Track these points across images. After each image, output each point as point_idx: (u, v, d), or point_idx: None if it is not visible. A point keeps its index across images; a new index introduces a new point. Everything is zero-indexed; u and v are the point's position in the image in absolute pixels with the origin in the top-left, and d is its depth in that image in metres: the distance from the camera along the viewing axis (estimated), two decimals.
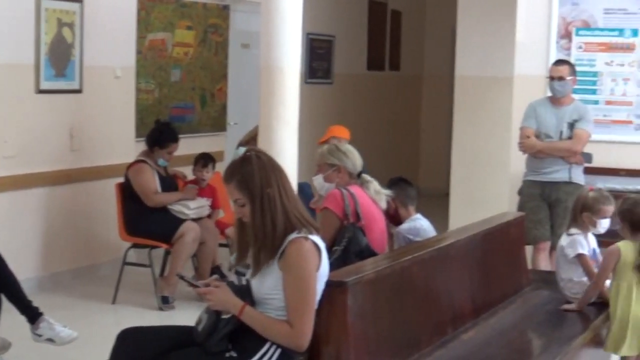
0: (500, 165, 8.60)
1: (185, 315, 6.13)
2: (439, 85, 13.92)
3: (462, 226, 5.73)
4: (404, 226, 5.92)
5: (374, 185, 5.64)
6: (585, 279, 5.43)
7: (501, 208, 7.71)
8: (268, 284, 3.85)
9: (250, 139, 7.71)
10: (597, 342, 5.20)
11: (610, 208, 5.45)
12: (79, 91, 8.09)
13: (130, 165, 7.58)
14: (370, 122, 12.87)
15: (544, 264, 7.15)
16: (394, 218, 5.98)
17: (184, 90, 9.58)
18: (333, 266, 4.21)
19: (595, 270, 5.45)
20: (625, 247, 5.05)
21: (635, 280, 5.01)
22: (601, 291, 5.36)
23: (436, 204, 10.47)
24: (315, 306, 3.81)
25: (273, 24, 6.39)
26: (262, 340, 3.82)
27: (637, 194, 7.52)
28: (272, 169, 3.94)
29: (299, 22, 6.48)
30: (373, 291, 4.05)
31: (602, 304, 5.38)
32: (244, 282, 3.96)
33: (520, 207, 7.32)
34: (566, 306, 5.29)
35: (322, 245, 3.90)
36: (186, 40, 9.51)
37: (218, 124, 10.16)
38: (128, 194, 7.51)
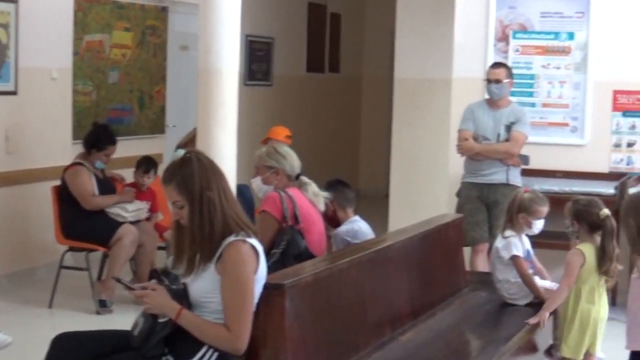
0: (439, 167, 8.63)
1: (124, 319, 6.06)
2: (379, 88, 13.98)
3: (401, 228, 5.74)
4: (342, 228, 5.93)
5: (313, 187, 5.64)
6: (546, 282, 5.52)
7: (440, 210, 7.74)
8: (205, 287, 3.82)
9: (189, 141, 7.67)
10: (534, 342, 5.25)
11: (545, 209, 5.50)
12: (14, 93, 7.98)
13: (67, 168, 7.49)
14: (309, 124, 12.88)
15: (482, 266, 7.19)
16: (332, 220, 5.98)
17: (122, 92, 9.50)
18: (271, 269, 4.20)
19: (530, 271, 5.51)
20: (586, 249, 5.11)
21: (598, 283, 5.08)
22: (537, 292, 5.42)
23: (376, 206, 10.51)
24: (253, 309, 3.79)
25: (211, 26, 6.35)
26: (199, 344, 3.79)
27: (574, 195, 7.63)
28: (212, 172, 3.91)
29: (238, 23, 6.45)
30: (311, 294, 4.03)
31: (539, 304, 5.43)
32: (180, 285, 3.93)
33: (459, 209, 7.37)
34: (531, 320, 5.33)
35: (260, 248, 3.88)
36: (124, 41, 9.43)
37: (157, 127, 10.09)
38: (65, 197, 7.42)
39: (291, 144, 6.05)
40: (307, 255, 5.22)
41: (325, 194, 5.72)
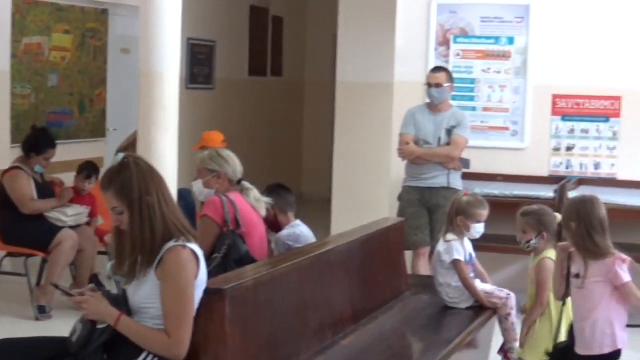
0: (381, 171, 8.66)
1: (64, 325, 5.93)
2: (321, 91, 13.99)
3: (342, 232, 5.75)
4: (284, 233, 5.91)
5: (254, 192, 5.62)
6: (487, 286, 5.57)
7: (382, 214, 7.76)
8: (145, 293, 3.78)
9: (129, 145, 7.62)
10: (475, 344, 5.29)
11: (484, 212, 5.53)
12: None
13: (5, 172, 7.39)
14: (252, 128, 12.85)
15: (424, 269, 7.22)
16: (273, 225, 5.97)
17: (62, 95, 9.40)
18: (212, 274, 4.17)
19: (472, 275, 5.54)
20: (554, 256, 5.16)
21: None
22: (477, 296, 5.46)
23: (319, 210, 10.51)
24: (193, 315, 3.77)
25: (152, 29, 6.31)
26: (138, 350, 3.75)
27: (512, 199, 7.70)
28: (151, 176, 3.87)
29: (179, 26, 6.42)
30: (252, 298, 4.02)
31: (480, 308, 5.47)
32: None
33: (400, 213, 7.39)
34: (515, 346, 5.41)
35: (200, 253, 3.86)
36: (64, 44, 9.33)
37: (97, 130, 10.00)
38: (3, 202, 7.32)
39: (233, 149, 6.01)
40: (248, 259, 5.20)
41: (267, 199, 5.71)
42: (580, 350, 4.66)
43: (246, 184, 5.64)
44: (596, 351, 4.58)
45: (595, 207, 4.65)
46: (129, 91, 9.68)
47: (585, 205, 4.66)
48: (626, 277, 4.54)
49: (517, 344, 5.47)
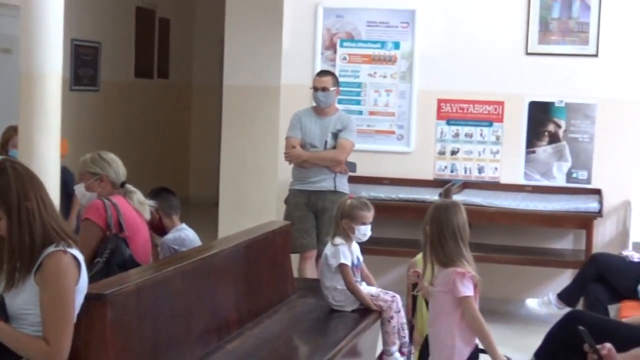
0: (268, 174, 8.66)
1: None
2: (208, 94, 13.91)
3: (227, 235, 5.72)
4: (169, 237, 5.85)
5: (138, 195, 5.54)
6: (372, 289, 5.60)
7: (269, 217, 7.76)
8: (23, 299, 3.68)
9: (4, 142, 7.36)
10: (360, 347, 5.31)
11: (369, 215, 5.56)
12: None
13: None
14: (138, 131, 12.71)
15: (311, 272, 7.23)
16: (158, 228, 5.90)
17: None
18: (95, 278, 4.11)
19: (358, 278, 5.57)
20: None
21: None
22: (362, 299, 5.49)
23: (206, 213, 10.46)
24: (74, 321, 3.69)
25: (34, 29, 6.16)
26: (16, 358, 3.66)
27: (398, 202, 7.77)
28: (30, 181, 3.78)
29: (61, 27, 6.28)
30: (135, 303, 3.96)
31: (365, 310, 5.50)
32: None
33: (287, 216, 7.38)
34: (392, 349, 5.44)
35: (81, 258, 3.78)
36: None
37: None
38: None
39: (119, 151, 5.91)
40: (131, 263, 5.13)
41: (151, 202, 5.64)
42: (430, 356, 4.70)
43: (129, 186, 5.56)
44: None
45: (452, 213, 4.59)
46: (10, 92, 9.43)
47: (442, 211, 4.61)
48: (465, 291, 4.46)
49: (395, 348, 5.51)
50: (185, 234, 5.85)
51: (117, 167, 5.53)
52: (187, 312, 4.43)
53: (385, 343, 5.55)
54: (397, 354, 5.55)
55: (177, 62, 14.01)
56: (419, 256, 5.29)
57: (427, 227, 4.61)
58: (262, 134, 8.75)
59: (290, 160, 7.45)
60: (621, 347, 4.17)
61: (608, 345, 4.05)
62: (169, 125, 13.80)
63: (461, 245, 4.55)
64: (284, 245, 5.90)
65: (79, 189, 5.52)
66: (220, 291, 4.82)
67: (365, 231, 5.53)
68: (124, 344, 3.82)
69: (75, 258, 3.73)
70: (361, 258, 5.69)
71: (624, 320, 5.91)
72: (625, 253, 7.04)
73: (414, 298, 5.47)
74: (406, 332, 5.58)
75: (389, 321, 5.50)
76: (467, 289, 4.47)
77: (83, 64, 11.39)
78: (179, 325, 4.32)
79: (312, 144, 7.37)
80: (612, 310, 6.84)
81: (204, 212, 11.02)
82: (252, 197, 8.87)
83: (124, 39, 12.51)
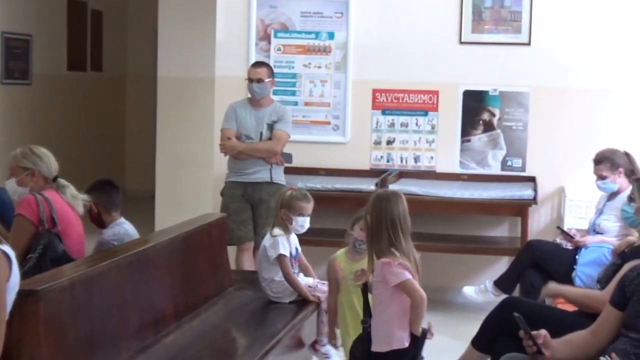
0: (204, 166, 8.62)
1: None
2: (143, 86, 13.78)
3: (163, 229, 5.67)
4: (108, 233, 5.78)
5: (71, 189, 5.47)
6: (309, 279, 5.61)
7: (205, 209, 7.72)
8: None
9: None
10: (299, 338, 5.31)
11: (308, 206, 5.55)
12: None
13: None
14: (72, 124, 12.56)
15: (248, 264, 7.21)
16: (97, 222, 5.83)
17: None
18: (28, 274, 4.05)
19: (296, 269, 5.57)
20: None
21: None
22: (299, 290, 5.49)
23: (143, 207, 10.36)
24: (6, 318, 3.62)
25: None
26: None
27: (335, 192, 7.78)
28: None
29: None
30: (69, 298, 3.91)
31: (303, 301, 5.50)
32: None
33: (224, 208, 7.34)
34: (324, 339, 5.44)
35: (12, 254, 3.70)
36: None
37: None
38: None
39: (52, 145, 5.82)
40: (65, 259, 5.06)
41: (85, 196, 5.56)
42: (374, 347, 4.69)
43: (62, 181, 5.48)
44: (376, 348, 4.57)
45: (393, 203, 4.57)
46: None
47: (382, 201, 4.58)
48: (395, 279, 4.44)
49: (326, 339, 5.53)
50: (124, 229, 5.77)
51: (49, 162, 5.46)
52: (122, 306, 4.38)
53: (319, 333, 5.56)
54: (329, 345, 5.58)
55: (110, 54, 13.86)
56: (340, 252, 5.29)
57: (367, 216, 4.60)
58: (197, 126, 8.69)
59: (225, 152, 7.41)
60: (556, 333, 4.21)
61: (543, 331, 4.09)
62: (103, 118, 13.65)
63: (399, 235, 4.54)
64: (220, 238, 5.87)
65: (10, 184, 5.44)
66: (156, 285, 4.78)
67: (303, 222, 5.52)
68: (57, 340, 3.77)
69: (5, 254, 3.66)
70: (299, 249, 5.69)
71: (558, 306, 5.99)
72: (559, 239, 7.11)
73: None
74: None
75: (326, 312, 5.51)
76: (398, 276, 4.45)
77: (14, 57, 11.21)
78: (114, 320, 4.27)
79: (247, 135, 7.34)
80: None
81: (140, 206, 10.91)
82: (189, 190, 8.82)
83: (55, 32, 12.34)
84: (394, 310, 4.51)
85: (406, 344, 4.51)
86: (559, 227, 7.10)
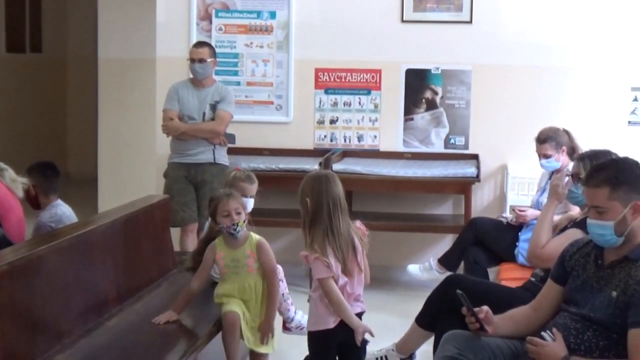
0: (147, 148, 8.55)
1: None
2: (84, 68, 13.60)
3: (104, 211, 5.63)
4: (45, 215, 5.72)
5: (10, 173, 5.41)
6: None
7: (149, 191, 7.66)
8: None
9: None
10: None
11: (250, 187, 5.54)
12: None
13: None
14: (12, 107, 12.40)
15: (192, 246, 7.15)
16: (32, 204, 5.76)
17: None
18: None
19: None
20: None
21: None
22: None
23: (86, 189, 10.28)
24: None
25: None
26: None
27: (279, 172, 7.76)
28: None
29: None
30: (8, 283, 3.86)
31: None
32: None
33: (167, 190, 7.30)
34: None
35: None
36: None
37: None
38: None
39: None
40: (5, 243, 5.01)
41: (24, 179, 5.50)
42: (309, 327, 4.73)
43: (0, 164, 5.42)
44: (309, 327, 4.65)
45: (333, 183, 4.58)
46: None
47: (322, 182, 4.59)
48: (315, 272, 4.52)
49: (292, 310, 5.57)
50: (61, 211, 5.72)
51: None
52: (64, 290, 4.34)
53: (280, 313, 5.58)
54: (298, 315, 5.63)
55: (50, 36, 13.67)
56: (218, 241, 5.23)
57: (306, 199, 4.58)
58: (139, 108, 8.63)
59: (168, 133, 7.36)
60: (499, 309, 4.25)
61: (485, 307, 4.12)
62: (44, 100, 13.48)
63: (339, 215, 4.55)
64: (163, 219, 5.84)
65: None
66: (98, 268, 4.74)
67: (245, 204, 5.51)
68: None
69: None
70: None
71: (502, 282, 6.05)
72: (503, 216, 7.17)
73: None
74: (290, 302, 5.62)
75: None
76: (315, 271, 4.52)
77: None
78: (56, 304, 4.24)
79: (190, 116, 7.29)
80: (492, 273, 6.98)
81: (83, 188, 10.83)
82: (132, 172, 8.76)
83: None
84: (318, 295, 4.57)
85: (331, 326, 4.54)
86: (513, 209, 7.09)
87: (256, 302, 4.92)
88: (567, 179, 5.39)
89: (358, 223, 4.69)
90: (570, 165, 6.09)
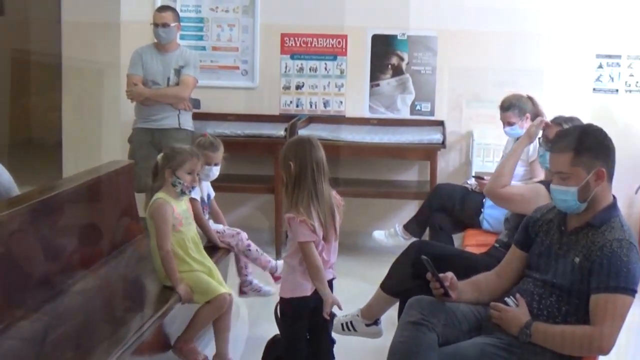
0: (111, 113, 8.47)
1: None
2: (47, 31, 13.42)
3: (69, 176, 5.59)
4: None
5: None
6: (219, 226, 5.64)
7: (114, 156, 7.58)
8: None
9: None
10: None
11: (214, 155, 5.55)
12: None
13: None
14: None
15: None
16: None
17: None
18: None
19: (207, 216, 5.57)
20: None
21: None
22: (209, 236, 5.51)
23: (50, 154, 10.19)
24: None
25: None
26: None
27: (244, 138, 7.74)
28: None
29: None
30: None
31: (213, 247, 5.51)
32: None
33: (131, 155, 7.26)
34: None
35: None
36: None
37: None
38: None
39: None
40: None
41: None
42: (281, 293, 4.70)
43: None
44: (282, 294, 4.59)
45: (316, 148, 4.56)
46: None
47: (305, 147, 4.55)
48: (296, 236, 4.46)
49: (272, 262, 5.62)
50: None
51: None
52: (27, 256, 4.33)
53: (241, 275, 5.62)
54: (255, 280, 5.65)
55: None
56: (164, 195, 5.12)
57: (289, 163, 4.52)
58: (103, 72, 8.52)
59: (132, 98, 7.30)
60: (463, 275, 4.28)
61: (449, 273, 4.14)
62: (6, 64, 13.31)
63: (322, 179, 4.53)
64: (127, 185, 5.83)
65: None
66: (62, 233, 4.73)
67: (208, 171, 5.52)
68: None
69: None
70: (212, 195, 5.69)
71: (467, 248, 6.08)
72: (468, 183, 7.19)
73: None
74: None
75: (249, 250, 5.61)
76: (297, 235, 4.45)
77: None
78: (19, 270, 4.22)
79: (154, 81, 7.24)
80: (457, 239, 7.01)
81: (48, 154, 10.72)
82: (96, 137, 8.67)
83: None
84: (297, 261, 4.53)
85: (309, 293, 4.53)
86: (475, 176, 7.10)
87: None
88: (539, 119, 5.48)
89: (334, 192, 4.67)
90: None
